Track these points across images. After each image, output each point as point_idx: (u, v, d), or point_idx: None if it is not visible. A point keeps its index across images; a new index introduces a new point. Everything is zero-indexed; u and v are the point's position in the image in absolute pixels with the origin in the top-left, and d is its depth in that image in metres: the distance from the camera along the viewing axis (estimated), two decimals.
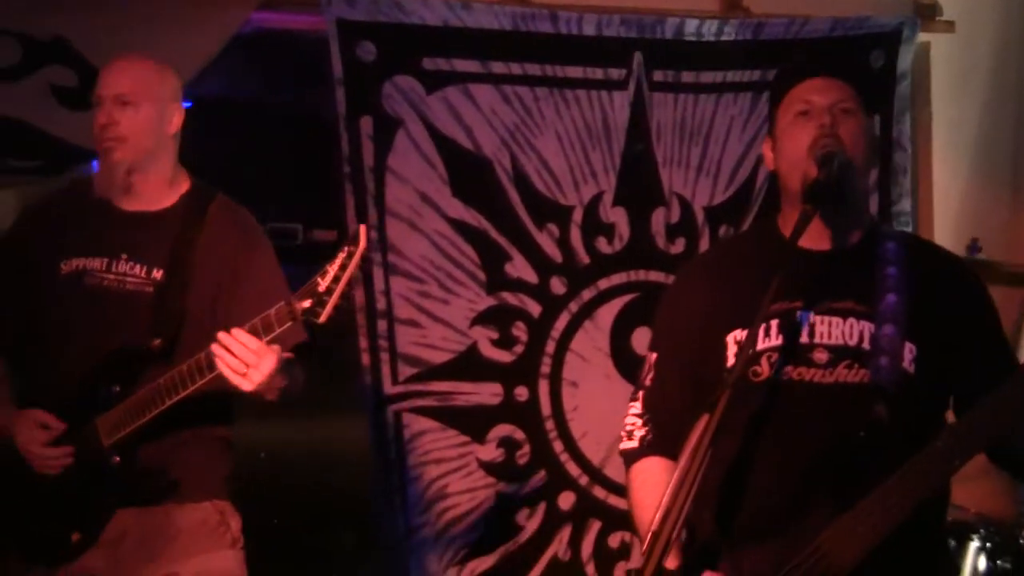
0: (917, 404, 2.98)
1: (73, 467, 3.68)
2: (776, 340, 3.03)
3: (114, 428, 3.64)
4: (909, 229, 5.86)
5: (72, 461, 3.69)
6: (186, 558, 3.76)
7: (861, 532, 2.84)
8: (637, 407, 3.26)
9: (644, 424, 3.22)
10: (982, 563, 4.78)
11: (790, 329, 3.01)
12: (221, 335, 3.40)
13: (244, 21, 5.06)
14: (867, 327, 3.01)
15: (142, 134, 3.76)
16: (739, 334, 3.07)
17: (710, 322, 3.15)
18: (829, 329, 3.02)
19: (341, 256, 3.31)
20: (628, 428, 3.27)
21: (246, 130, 6.18)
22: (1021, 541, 4.71)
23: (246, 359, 3.37)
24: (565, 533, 5.49)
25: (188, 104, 4.98)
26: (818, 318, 3.03)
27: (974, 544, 4.78)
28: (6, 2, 4.84)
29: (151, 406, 3.58)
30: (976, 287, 3.21)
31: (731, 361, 3.06)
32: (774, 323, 3.03)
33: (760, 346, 3.04)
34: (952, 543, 4.79)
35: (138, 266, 3.77)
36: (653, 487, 3.09)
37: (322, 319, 3.31)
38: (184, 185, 3.89)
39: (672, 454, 3.16)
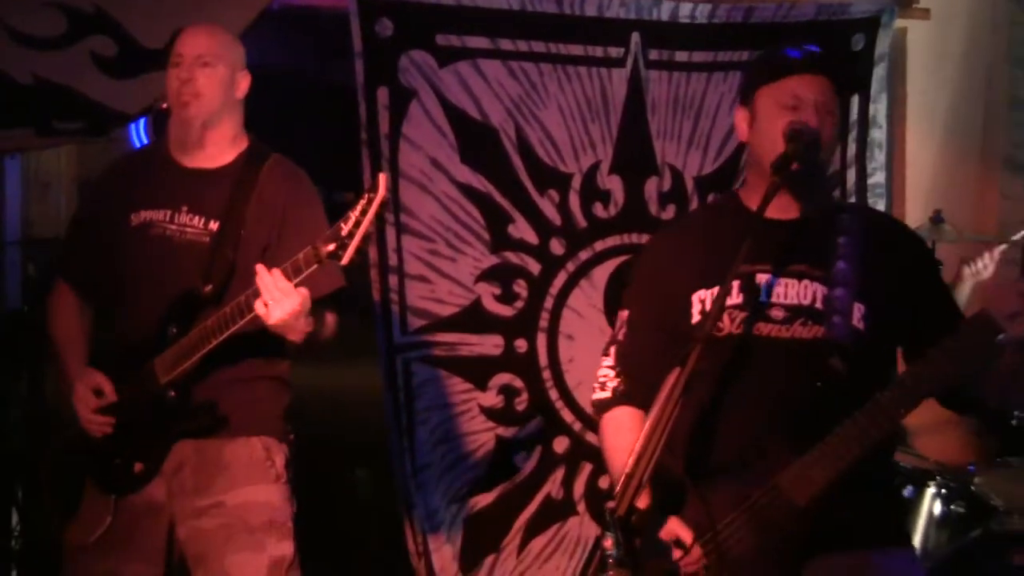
0: (867, 358, 3.06)
1: (136, 402, 3.75)
2: (737, 299, 3.12)
3: (170, 367, 3.71)
4: (884, 200, 5.88)
5: (111, 431, 3.77)
6: (233, 489, 3.80)
7: (815, 473, 2.95)
8: (610, 360, 3.34)
9: (616, 376, 3.30)
10: (938, 507, 4.85)
11: (750, 289, 3.10)
12: (262, 272, 3.47)
13: None
14: (820, 289, 3.10)
15: (216, 92, 3.84)
16: (703, 293, 3.17)
17: (678, 282, 3.23)
18: (786, 290, 3.11)
19: (362, 203, 3.38)
20: (601, 380, 3.34)
21: (273, 98, 6.16)
22: (973, 488, 4.77)
23: (272, 295, 3.44)
24: (559, 474, 5.51)
25: None
26: (776, 280, 3.11)
27: (931, 490, 4.86)
28: None
29: (200, 346, 3.65)
30: (920, 250, 3.34)
31: (696, 318, 3.16)
32: (735, 284, 3.11)
33: (724, 304, 3.09)
34: (911, 488, 4.88)
35: (197, 217, 3.84)
36: (626, 433, 3.21)
37: (344, 261, 3.38)
38: (243, 144, 3.96)
39: (642, 404, 3.23)
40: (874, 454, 3.01)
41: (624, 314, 3.36)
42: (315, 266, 3.44)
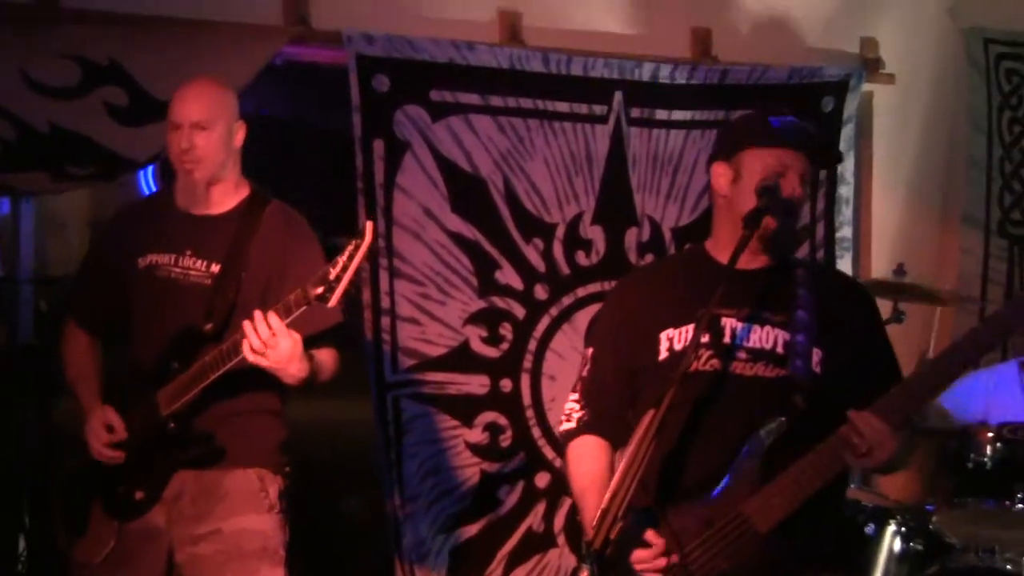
0: (824, 398, 3.09)
1: (140, 433, 3.78)
2: (704, 339, 3.14)
3: (171, 399, 3.73)
4: (850, 252, 5.99)
5: (122, 461, 3.80)
6: (230, 517, 3.81)
7: (778, 502, 3.00)
8: (576, 395, 3.37)
9: (581, 408, 3.34)
10: (897, 544, 4.75)
11: (716, 331, 3.14)
12: (246, 321, 3.52)
13: (276, 53, 5.10)
14: (780, 334, 3.16)
15: (216, 153, 3.86)
16: (671, 332, 3.21)
17: (646, 322, 3.27)
18: (749, 334, 3.16)
19: (349, 248, 3.41)
20: (567, 412, 3.38)
21: (275, 147, 6.16)
22: (931, 526, 4.71)
23: (264, 339, 3.48)
24: (540, 508, 5.53)
25: None
26: (740, 324, 3.17)
27: (891, 528, 4.76)
28: (68, 30, 4.84)
29: (199, 380, 3.68)
30: (867, 302, 3.41)
31: (663, 355, 3.21)
32: (703, 324, 3.09)
33: (695, 342, 3.13)
34: (872, 526, 4.85)
35: (200, 261, 3.86)
36: (589, 461, 3.29)
37: (332, 303, 3.40)
38: (244, 191, 3.98)
39: (604, 434, 3.32)
40: (829, 487, 3.07)
41: (589, 351, 3.40)
42: (304, 307, 3.48)
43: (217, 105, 3.91)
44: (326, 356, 3.87)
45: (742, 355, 3.16)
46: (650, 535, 3.05)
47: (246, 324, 3.53)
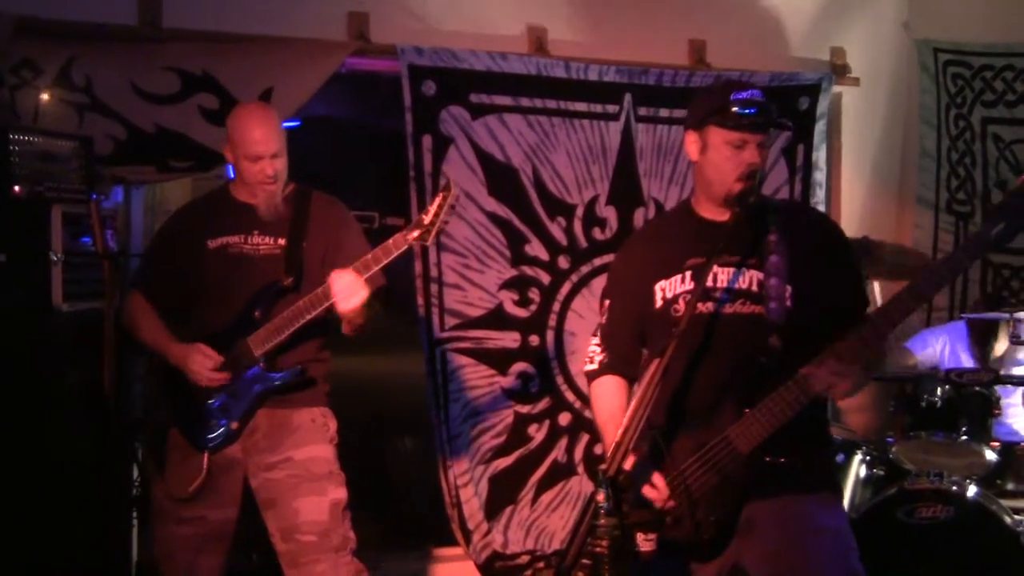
0: (798, 330, 3.04)
1: (233, 376, 3.81)
2: (689, 285, 3.14)
3: (262, 343, 3.77)
4: None
5: (229, 382, 3.81)
6: (299, 447, 3.86)
7: (756, 428, 2.98)
8: (597, 340, 3.37)
9: (602, 351, 3.33)
10: (863, 471, 4.89)
11: (699, 277, 3.07)
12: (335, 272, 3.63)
13: (340, 64, 5.11)
14: (756, 275, 3.10)
15: (285, 170, 3.89)
16: (663, 283, 3.19)
17: (643, 275, 3.24)
18: (729, 277, 3.10)
19: (438, 200, 3.57)
20: (590, 355, 3.37)
21: (339, 142, 6.16)
22: (891, 455, 4.80)
23: (350, 287, 3.59)
24: (563, 443, 5.55)
25: (298, 123, 5.10)
26: (719, 268, 3.12)
27: (857, 457, 4.91)
28: (169, 47, 4.87)
29: (292, 323, 3.73)
30: (834, 236, 3.30)
31: (659, 303, 3.19)
32: (688, 274, 3.15)
33: (678, 291, 3.15)
34: (842, 456, 4.87)
35: (267, 237, 3.88)
36: (611, 396, 3.29)
37: (429, 241, 3.57)
38: (290, 187, 3.98)
39: (621, 372, 3.32)
40: (809, 416, 3.04)
41: (606, 303, 3.38)
42: (404, 248, 3.59)
43: (281, 132, 3.91)
44: (377, 307, 3.91)
45: (723, 296, 3.11)
46: (657, 478, 3.05)
47: (334, 275, 3.63)
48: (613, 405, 3.28)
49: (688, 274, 3.16)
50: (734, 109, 3.10)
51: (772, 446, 3.00)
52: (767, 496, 3.04)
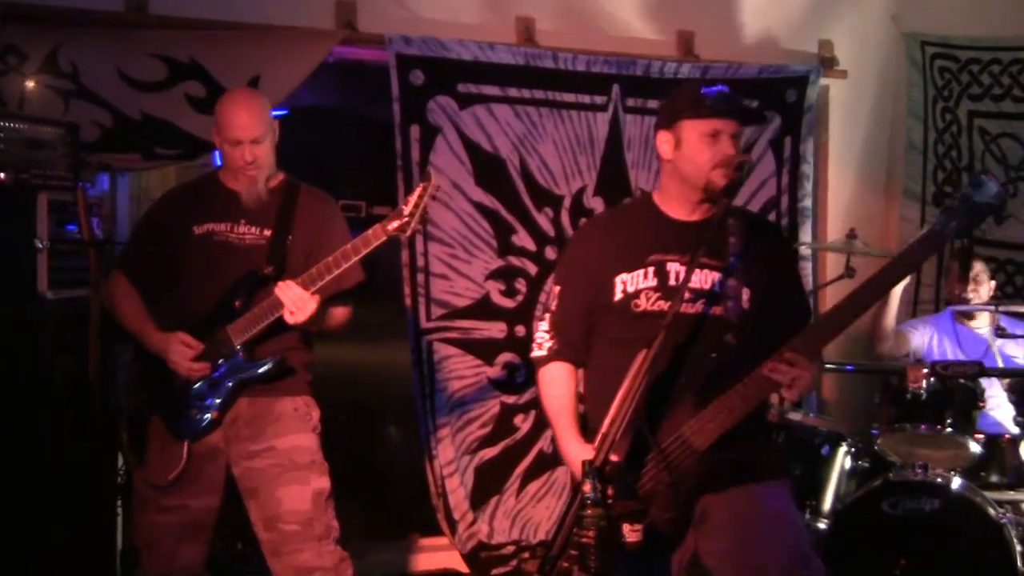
0: (753, 331, 3.09)
1: (212, 365, 3.80)
2: (652, 281, 3.16)
3: (241, 332, 3.77)
4: (810, 220, 6.00)
5: (209, 372, 3.80)
6: (281, 436, 3.84)
7: (712, 425, 3.00)
8: (545, 325, 3.34)
9: (551, 338, 3.31)
10: (848, 463, 4.89)
11: (662, 274, 3.12)
12: (278, 284, 3.65)
13: (328, 53, 5.08)
14: (715, 276, 3.14)
15: (268, 156, 3.86)
16: (624, 276, 3.19)
17: (602, 267, 3.23)
18: (691, 276, 3.07)
19: (419, 190, 3.52)
20: (538, 341, 3.36)
21: (327, 132, 6.15)
22: (875, 447, 4.82)
23: (295, 303, 3.61)
24: (549, 433, 5.39)
25: (286, 111, 5.08)
26: (683, 268, 3.14)
27: (843, 449, 4.90)
28: (156, 34, 4.83)
29: (265, 317, 3.72)
30: (783, 243, 3.46)
31: (618, 296, 3.19)
32: (651, 270, 3.15)
33: (640, 286, 3.16)
34: (827, 447, 4.87)
35: (253, 227, 3.86)
36: (560, 383, 3.29)
37: (408, 234, 3.51)
38: (279, 177, 3.96)
39: (571, 359, 3.31)
40: (755, 411, 3.08)
41: (556, 289, 3.37)
42: (383, 240, 3.55)
43: (265, 118, 3.87)
44: (340, 311, 3.93)
45: (686, 295, 3.11)
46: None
47: (280, 287, 3.65)
48: (563, 392, 3.28)
49: (651, 270, 3.17)
50: (708, 100, 3.14)
51: (723, 442, 3.02)
52: (719, 489, 3.08)
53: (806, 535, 3.12)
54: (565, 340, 3.31)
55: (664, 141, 3.23)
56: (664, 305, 3.13)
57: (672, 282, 3.16)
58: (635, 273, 3.20)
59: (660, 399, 3.07)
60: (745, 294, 3.13)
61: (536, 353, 3.37)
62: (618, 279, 3.21)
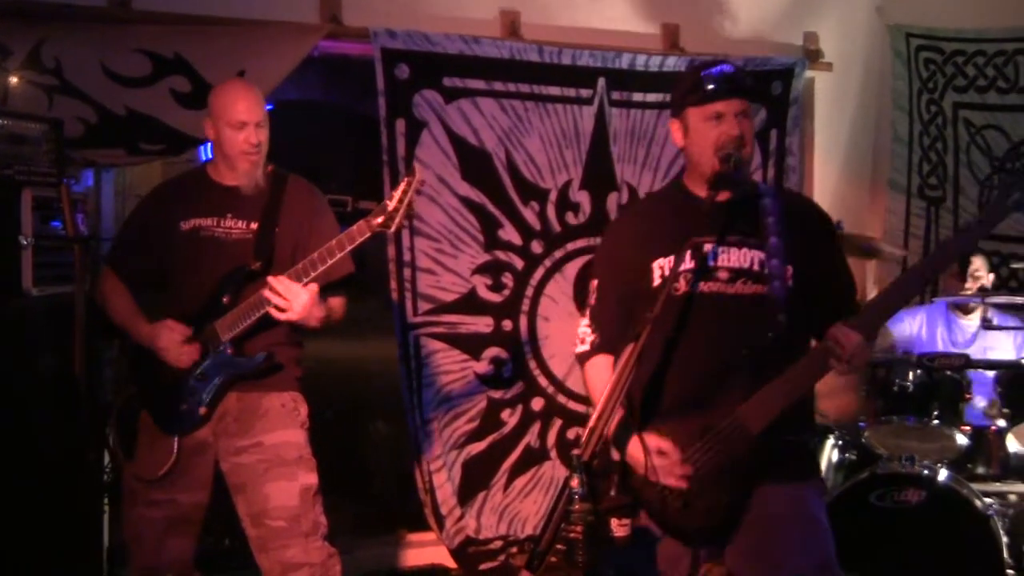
0: (800, 308, 3.06)
1: (201, 359, 3.78)
2: (690, 264, 3.14)
3: (229, 328, 3.74)
4: None
5: (199, 356, 3.78)
6: (269, 432, 3.84)
7: (768, 406, 2.99)
8: (586, 321, 3.35)
9: (592, 332, 3.32)
10: (835, 455, 4.92)
11: (700, 256, 3.11)
12: (269, 279, 3.59)
13: (313, 47, 5.07)
14: (756, 254, 3.13)
15: (267, 142, 3.87)
16: (662, 261, 3.19)
17: (639, 253, 3.24)
18: (728, 256, 3.13)
19: (403, 185, 3.47)
20: (580, 336, 3.35)
21: (313, 126, 6.16)
22: (862, 440, 4.84)
23: (288, 297, 3.57)
24: (536, 428, 5.55)
25: (271, 107, 5.05)
26: (720, 248, 3.14)
27: (830, 441, 4.94)
28: (140, 29, 4.81)
29: (252, 313, 3.70)
30: (825, 221, 3.38)
31: (657, 281, 3.19)
32: (688, 252, 3.13)
33: (679, 269, 3.14)
34: (816, 439, 4.94)
35: (240, 221, 3.84)
36: (605, 375, 3.25)
37: (392, 229, 3.47)
38: (268, 168, 3.95)
39: (613, 351, 3.30)
40: (803, 397, 3.09)
41: (594, 283, 3.38)
42: (368, 235, 3.52)
43: (262, 104, 3.89)
44: (337, 302, 3.91)
45: (724, 275, 3.14)
46: (665, 444, 3.06)
47: (267, 292, 3.60)
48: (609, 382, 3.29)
49: (688, 253, 3.15)
50: (707, 85, 3.15)
51: (778, 425, 3.02)
52: (769, 484, 3.08)
53: (834, 548, 3.09)
54: (606, 333, 3.32)
55: (676, 129, 3.28)
56: (705, 287, 3.14)
57: (711, 263, 3.16)
58: (672, 257, 3.18)
59: (715, 381, 3.08)
60: (788, 271, 3.11)
61: (580, 349, 3.37)
62: (655, 264, 3.22)
